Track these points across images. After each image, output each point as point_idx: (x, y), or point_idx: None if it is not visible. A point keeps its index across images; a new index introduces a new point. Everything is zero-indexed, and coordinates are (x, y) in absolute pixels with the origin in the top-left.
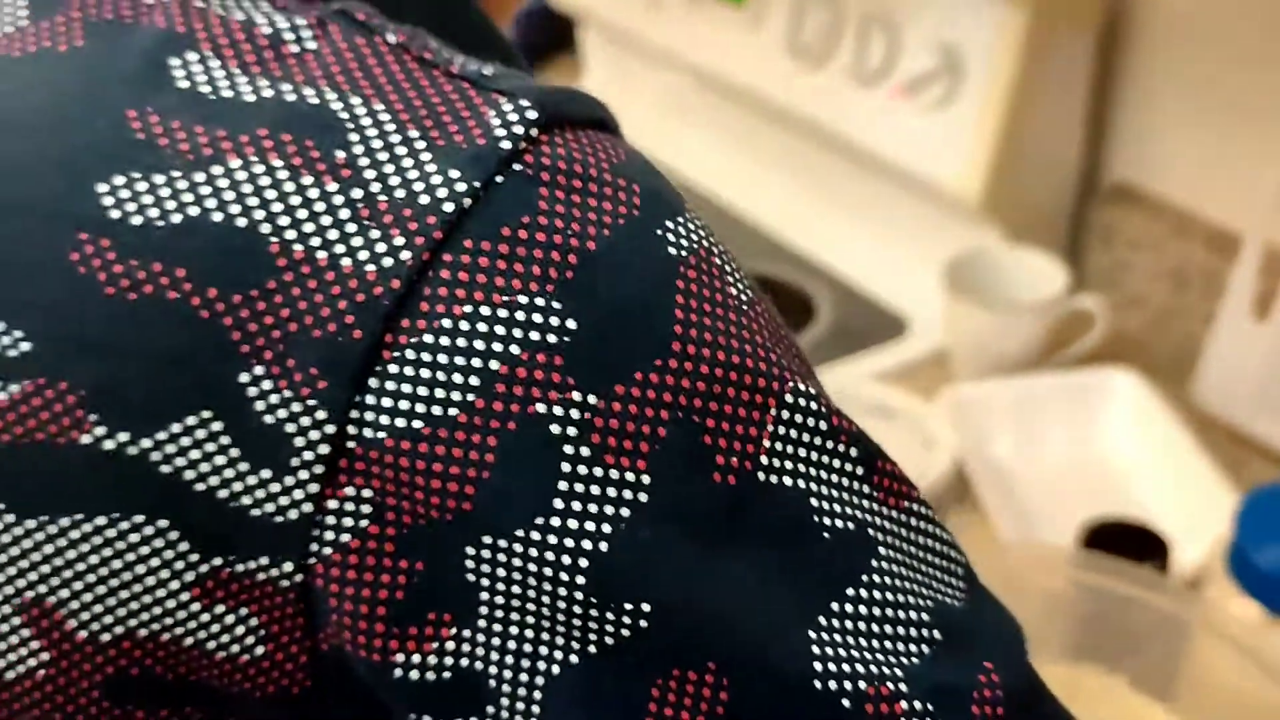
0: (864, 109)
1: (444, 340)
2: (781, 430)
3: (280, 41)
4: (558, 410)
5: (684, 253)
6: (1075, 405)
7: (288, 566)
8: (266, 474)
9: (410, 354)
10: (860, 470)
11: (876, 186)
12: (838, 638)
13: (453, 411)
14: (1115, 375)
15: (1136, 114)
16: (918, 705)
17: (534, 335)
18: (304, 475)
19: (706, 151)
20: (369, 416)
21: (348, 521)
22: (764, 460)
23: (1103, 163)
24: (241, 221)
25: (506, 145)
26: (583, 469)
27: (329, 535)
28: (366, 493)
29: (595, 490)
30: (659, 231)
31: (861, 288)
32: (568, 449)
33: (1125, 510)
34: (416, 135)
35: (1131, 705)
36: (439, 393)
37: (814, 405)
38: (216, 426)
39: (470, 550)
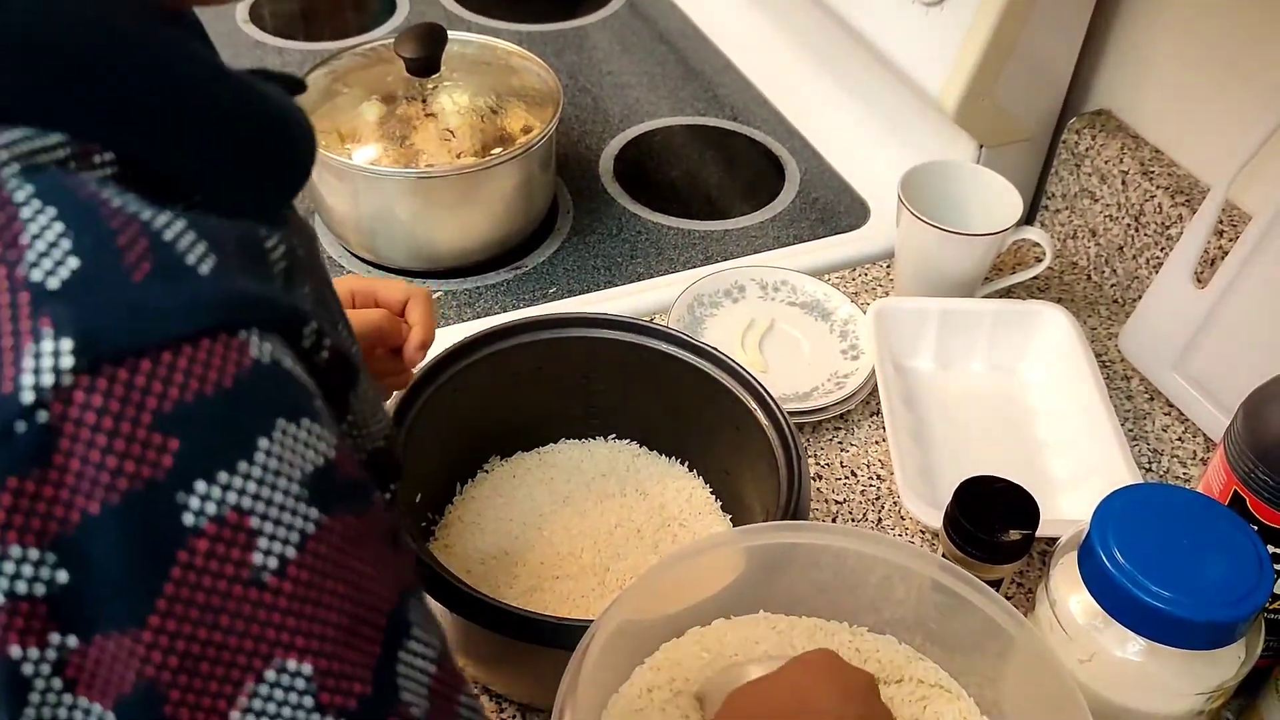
0: None
1: None
2: (256, 704)
3: None
4: (32, 653)
5: (203, 521)
6: (1001, 333)
7: None
8: None
9: None
10: None
11: (871, 72)
12: None
13: None
14: (1046, 310)
15: (1132, 45)
16: None
17: (20, 586)
18: None
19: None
20: None
21: None
22: None
23: (1089, 86)
24: None
25: (28, 398)
26: (52, 697)
27: None
28: None
29: (63, 714)
30: (179, 498)
31: (833, 166)
32: (39, 682)
33: (1025, 445)
34: None
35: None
36: None
37: (299, 683)
38: None
39: None
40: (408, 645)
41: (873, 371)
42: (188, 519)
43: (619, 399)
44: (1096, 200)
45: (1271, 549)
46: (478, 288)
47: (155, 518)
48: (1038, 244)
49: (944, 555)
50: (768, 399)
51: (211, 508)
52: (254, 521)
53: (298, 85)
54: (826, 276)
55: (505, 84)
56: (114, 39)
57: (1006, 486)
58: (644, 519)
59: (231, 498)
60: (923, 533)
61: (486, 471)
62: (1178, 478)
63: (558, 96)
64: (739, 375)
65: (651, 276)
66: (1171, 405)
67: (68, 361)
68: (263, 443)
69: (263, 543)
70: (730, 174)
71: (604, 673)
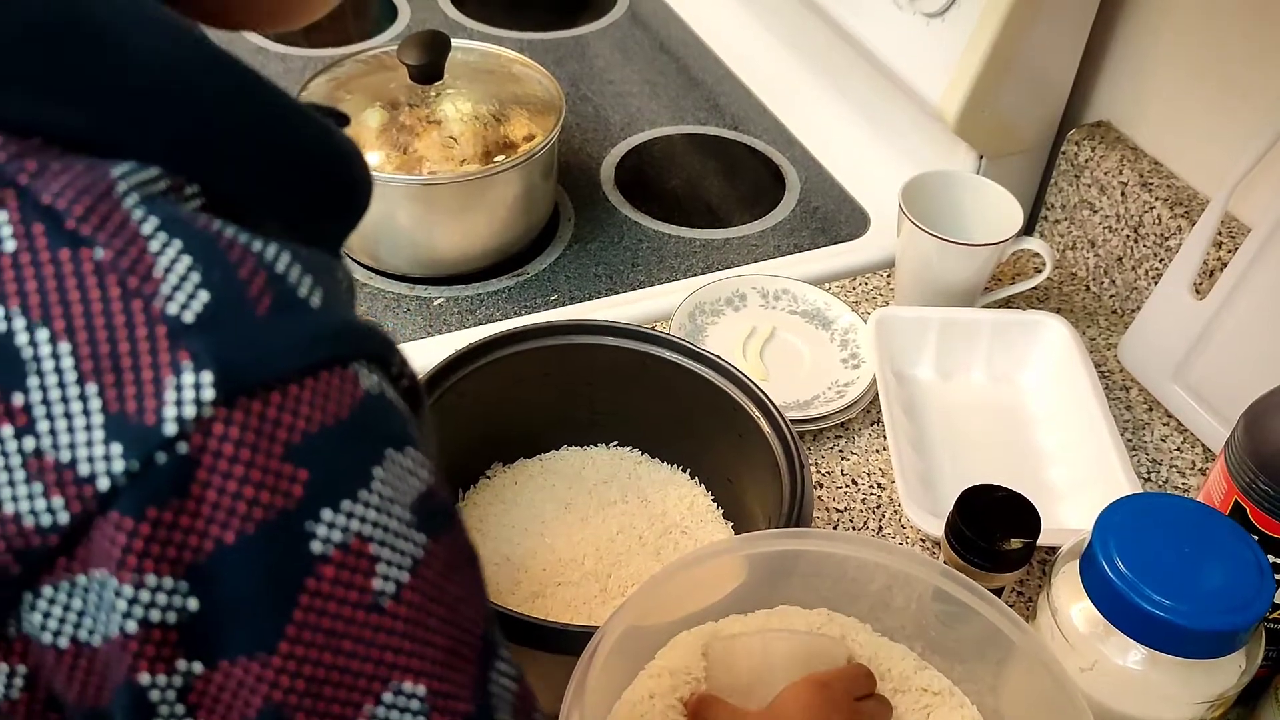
0: (866, 1)
1: (86, 594)
2: None
3: None
4: (160, 679)
5: (330, 549)
6: (1001, 343)
7: None
8: None
9: (63, 588)
10: None
11: (871, 82)
12: None
13: (92, 642)
14: (1046, 320)
15: (1131, 57)
16: None
17: (154, 615)
18: None
19: (719, 9)
20: (25, 619)
21: (1, 689)
22: None
23: (1089, 98)
24: None
25: (171, 430)
26: None
27: None
28: (21, 668)
29: None
30: (308, 526)
31: (833, 176)
32: (163, 709)
33: (1024, 454)
34: (94, 391)
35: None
36: (85, 624)
37: (414, 704)
38: None
39: None
40: (496, 665)
41: (873, 380)
42: (316, 547)
43: (621, 406)
44: (1096, 211)
45: (1272, 559)
46: (479, 294)
47: (287, 546)
48: (1037, 254)
49: (945, 564)
50: (770, 406)
51: (338, 535)
52: (374, 548)
53: (344, 120)
54: (827, 285)
55: (508, 92)
56: (199, 67)
57: (1007, 495)
58: (646, 526)
59: (355, 525)
60: (923, 541)
61: (488, 477)
62: (1177, 487)
63: (560, 105)
64: (741, 383)
65: (652, 284)
66: (1170, 415)
67: (209, 394)
68: (377, 471)
69: (381, 568)
70: (731, 183)
71: (608, 679)
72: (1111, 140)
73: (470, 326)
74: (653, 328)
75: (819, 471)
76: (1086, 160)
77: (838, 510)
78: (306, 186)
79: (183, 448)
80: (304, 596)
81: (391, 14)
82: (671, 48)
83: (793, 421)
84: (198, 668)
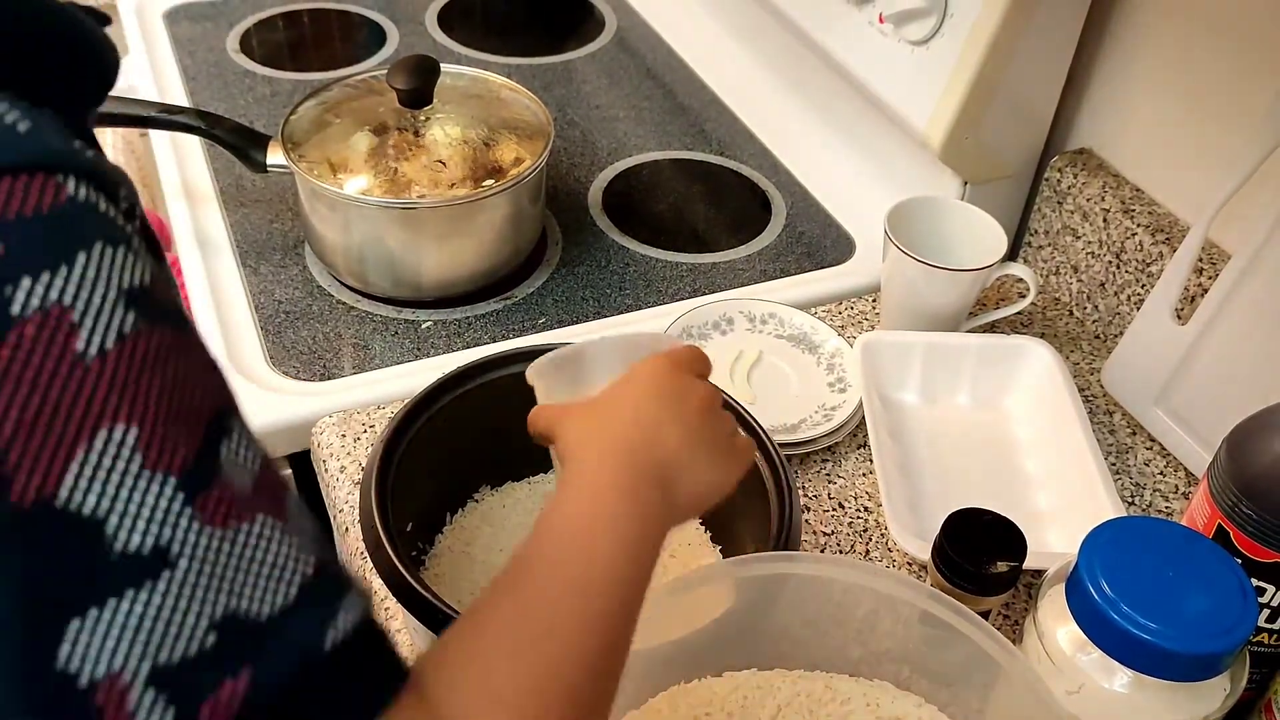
0: (851, 28)
1: None
2: (90, 465)
3: None
4: None
5: (30, 311)
6: (985, 368)
7: None
8: None
9: None
10: (180, 496)
11: (856, 108)
12: (97, 633)
13: None
14: (1031, 345)
15: (1114, 84)
16: (146, 694)
17: None
18: None
19: (705, 35)
20: None
21: None
22: (63, 490)
23: (1071, 126)
24: None
25: None
26: None
27: None
28: None
29: None
30: (6, 291)
31: (819, 201)
32: None
33: (1009, 478)
34: None
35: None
36: None
37: (124, 450)
38: None
39: None
40: (228, 442)
41: (860, 404)
42: (15, 309)
43: None
44: (1079, 237)
45: (1255, 582)
46: (467, 318)
47: None
48: (1021, 280)
49: (932, 587)
50: (758, 430)
51: (35, 301)
52: (75, 315)
53: (102, 18)
54: (814, 309)
55: (497, 116)
56: None
57: (993, 519)
58: None
59: (54, 294)
60: (910, 564)
61: (477, 501)
62: (1160, 511)
63: (548, 129)
64: (729, 406)
65: (640, 308)
66: (1153, 440)
67: None
68: (81, 256)
69: (84, 332)
70: (717, 208)
71: None
72: (1093, 167)
73: (458, 350)
74: None
75: (806, 495)
76: (1069, 187)
77: (825, 534)
78: (24, 57)
79: None
80: (4, 349)
81: (380, 38)
82: (658, 73)
83: (780, 445)
84: None
